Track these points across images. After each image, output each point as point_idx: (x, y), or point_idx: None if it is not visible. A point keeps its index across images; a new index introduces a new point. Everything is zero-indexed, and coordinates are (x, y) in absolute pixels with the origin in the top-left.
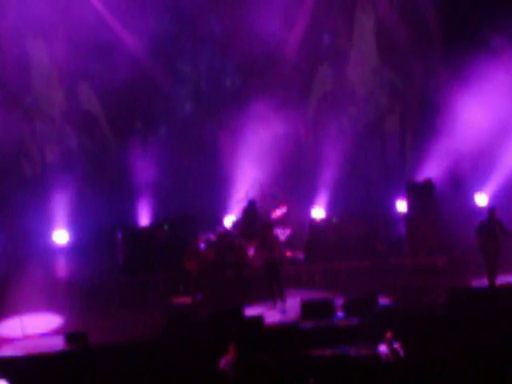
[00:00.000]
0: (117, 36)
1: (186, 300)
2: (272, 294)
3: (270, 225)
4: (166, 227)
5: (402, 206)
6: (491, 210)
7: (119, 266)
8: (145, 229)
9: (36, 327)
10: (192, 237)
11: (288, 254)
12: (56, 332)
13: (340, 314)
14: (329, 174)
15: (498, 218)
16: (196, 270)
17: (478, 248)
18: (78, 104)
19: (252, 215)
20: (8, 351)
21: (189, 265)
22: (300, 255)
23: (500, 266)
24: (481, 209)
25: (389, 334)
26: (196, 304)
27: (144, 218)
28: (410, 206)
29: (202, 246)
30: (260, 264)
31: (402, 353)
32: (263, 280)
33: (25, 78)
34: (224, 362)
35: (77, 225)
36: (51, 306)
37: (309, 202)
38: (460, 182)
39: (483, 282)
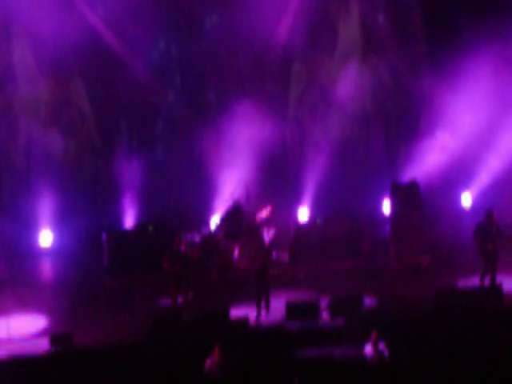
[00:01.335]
0: (102, 39)
1: (171, 302)
2: (258, 302)
3: (258, 229)
4: (150, 229)
5: (387, 206)
6: (489, 211)
7: (104, 268)
8: (130, 230)
9: (21, 329)
10: (173, 238)
11: (273, 254)
12: (41, 333)
13: (325, 314)
14: (314, 174)
15: (495, 219)
16: (178, 271)
17: (476, 249)
18: (64, 105)
19: (237, 216)
20: None
21: (169, 267)
22: (285, 256)
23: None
24: (466, 209)
25: (374, 335)
26: (177, 306)
27: (129, 220)
28: (394, 207)
29: (183, 247)
30: (245, 266)
31: (387, 353)
32: (251, 288)
33: (9, 76)
34: (209, 363)
35: (62, 226)
36: (36, 308)
37: (294, 203)
38: (445, 182)
39: (469, 281)
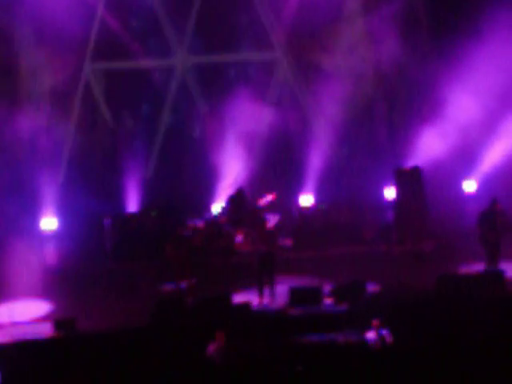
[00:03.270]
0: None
1: (174, 287)
2: (260, 286)
3: (261, 214)
4: (153, 214)
5: (390, 192)
6: (493, 200)
7: (107, 253)
8: (133, 215)
9: (24, 314)
10: (177, 224)
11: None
12: (44, 318)
13: (328, 300)
14: (317, 160)
15: (500, 208)
16: (181, 257)
17: (479, 237)
18: (67, 89)
19: (239, 202)
20: None
21: (172, 253)
22: (288, 242)
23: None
24: (469, 194)
25: (376, 321)
26: (181, 291)
27: (132, 205)
28: (398, 193)
29: (187, 233)
30: (248, 251)
31: (389, 339)
32: (254, 271)
33: (14, 66)
34: (212, 349)
35: (65, 211)
36: (39, 293)
37: (297, 189)
38: (448, 168)
39: (471, 267)
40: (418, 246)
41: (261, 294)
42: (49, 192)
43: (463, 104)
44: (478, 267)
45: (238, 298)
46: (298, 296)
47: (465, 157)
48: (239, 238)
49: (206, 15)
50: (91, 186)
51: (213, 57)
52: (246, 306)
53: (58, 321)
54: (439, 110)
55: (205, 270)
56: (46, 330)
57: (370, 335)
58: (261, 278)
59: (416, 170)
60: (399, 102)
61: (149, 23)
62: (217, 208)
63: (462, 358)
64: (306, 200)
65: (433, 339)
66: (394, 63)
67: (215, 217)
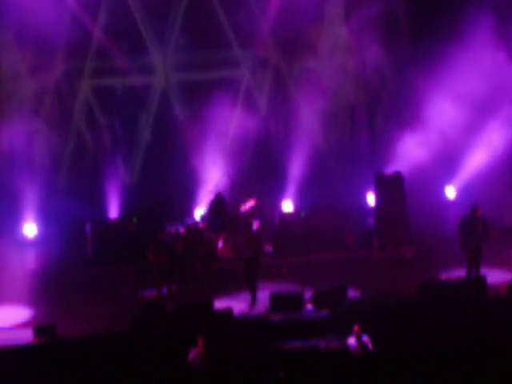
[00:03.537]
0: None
1: (155, 293)
2: (252, 289)
3: (244, 220)
4: (134, 220)
5: (371, 198)
6: (474, 206)
7: (88, 259)
8: (114, 221)
9: (4, 320)
10: (158, 230)
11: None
12: (25, 324)
13: (309, 306)
14: (298, 166)
15: (481, 215)
16: (162, 263)
17: (459, 243)
18: (47, 95)
19: (220, 208)
20: None
21: (154, 258)
22: (269, 248)
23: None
24: (450, 201)
25: (357, 327)
26: (162, 297)
27: (113, 211)
28: (379, 199)
29: (168, 238)
30: (229, 257)
31: (370, 345)
32: (240, 277)
33: None
34: (193, 355)
35: (46, 217)
36: (20, 299)
37: (278, 195)
38: (429, 174)
39: (453, 273)
40: (399, 251)
41: (254, 297)
42: (30, 198)
43: (444, 109)
44: (460, 273)
45: (220, 305)
46: (278, 302)
47: (446, 163)
48: (220, 243)
49: (189, 21)
50: (73, 191)
51: (195, 73)
52: (227, 312)
53: (39, 326)
54: (420, 115)
55: (186, 275)
56: (26, 336)
57: (351, 341)
58: (249, 283)
59: (397, 176)
60: (380, 108)
61: (132, 34)
62: (198, 214)
63: (443, 363)
64: (288, 206)
65: (414, 345)
66: (376, 69)
67: (196, 223)
